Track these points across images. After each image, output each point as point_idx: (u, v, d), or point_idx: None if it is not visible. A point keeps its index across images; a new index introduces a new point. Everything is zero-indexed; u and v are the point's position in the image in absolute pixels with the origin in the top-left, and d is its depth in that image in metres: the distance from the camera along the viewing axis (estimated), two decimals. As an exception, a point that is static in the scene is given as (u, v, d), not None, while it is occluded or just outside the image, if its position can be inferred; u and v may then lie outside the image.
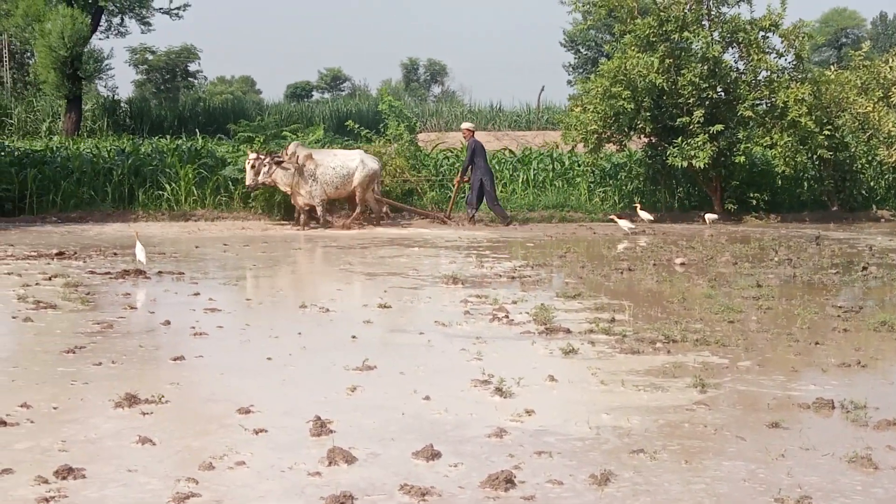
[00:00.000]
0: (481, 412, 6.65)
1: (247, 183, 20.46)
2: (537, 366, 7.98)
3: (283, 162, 19.95)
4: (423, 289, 12.35)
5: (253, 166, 19.98)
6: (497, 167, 25.80)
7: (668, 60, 23.50)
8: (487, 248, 17.30)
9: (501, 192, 24.84)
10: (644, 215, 22.11)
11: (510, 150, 28.50)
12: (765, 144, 23.98)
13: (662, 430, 6.31)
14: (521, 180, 25.60)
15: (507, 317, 10.14)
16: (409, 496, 5.09)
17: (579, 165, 25.68)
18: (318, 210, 20.41)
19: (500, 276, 13.46)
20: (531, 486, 5.27)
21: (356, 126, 25.47)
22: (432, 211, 22.86)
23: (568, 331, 9.42)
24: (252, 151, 20.64)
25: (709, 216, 22.78)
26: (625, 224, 20.80)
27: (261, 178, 19.98)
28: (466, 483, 5.31)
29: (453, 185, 22.99)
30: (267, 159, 19.90)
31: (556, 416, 6.56)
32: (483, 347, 8.68)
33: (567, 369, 7.91)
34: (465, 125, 23.31)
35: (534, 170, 25.97)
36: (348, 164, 20.50)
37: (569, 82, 67.09)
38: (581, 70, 65.40)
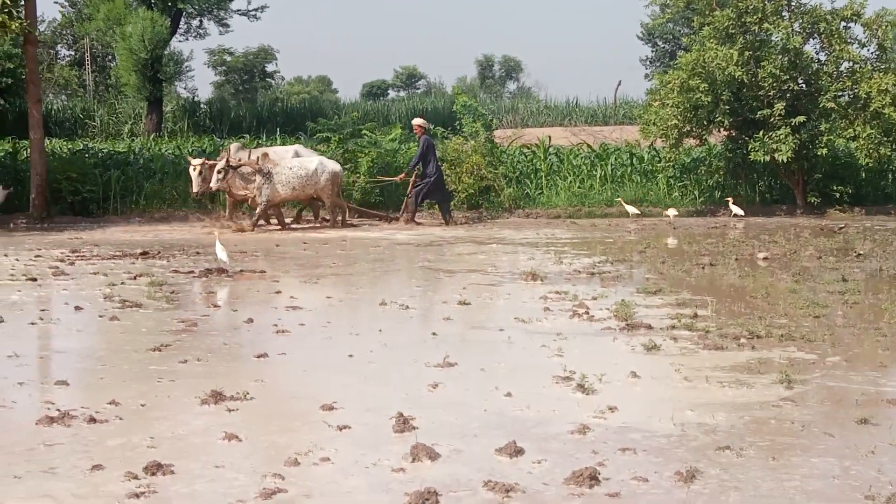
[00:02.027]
0: (564, 409, 6.62)
1: (194, 190, 19.93)
2: (619, 362, 7.92)
3: (239, 166, 19.41)
4: (502, 285, 12.34)
5: (200, 172, 19.46)
6: (574, 162, 25.67)
7: (747, 52, 23.17)
8: (566, 245, 17.22)
9: (579, 187, 24.73)
10: (736, 209, 21.95)
11: (587, 146, 28.32)
12: (847, 136, 23.55)
13: (749, 427, 6.23)
14: (598, 176, 25.41)
15: (587, 313, 10.08)
16: (494, 492, 5.08)
17: (658, 160, 25.44)
18: (258, 209, 19.70)
19: (580, 272, 13.39)
20: (616, 482, 5.23)
21: (432, 125, 25.47)
22: (385, 213, 22.27)
23: (649, 327, 9.33)
24: (193, 158, 20.33)
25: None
26: (631, 209, 21.95)
27: (214, 185, 19.39)
28: (550, 479, 5.28)
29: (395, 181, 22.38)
30: (221, 164, 19.24)
31: (640, 413, 6.50)
32: (564, 344, 8.64)
33: (649, 366, 7.84)
34: (417, 121, 22.31)
35: (611, 165, 25.77)
36: (307, 165, 20.09)
37: (646, 76, 66.36)
38: (659, 63, 64.73)
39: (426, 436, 5.93)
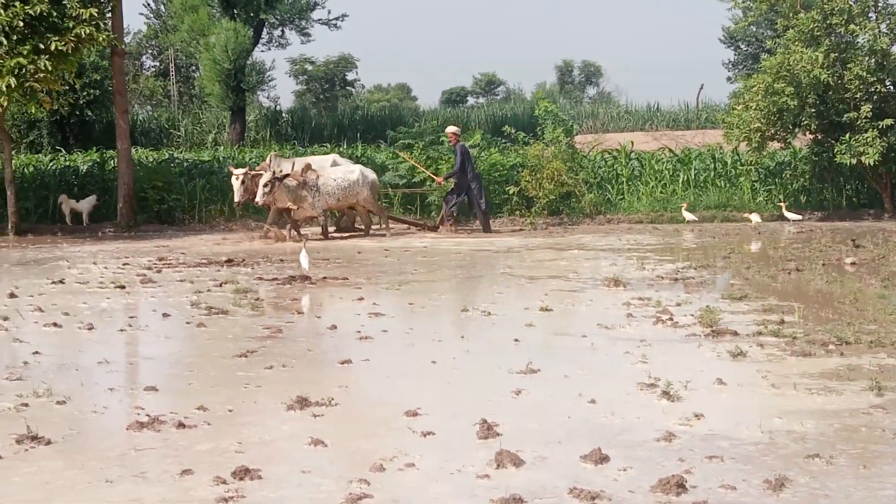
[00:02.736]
0: (649, 416, 6.56)
1: (236, 199, 19.86)
2: (704, 369, 7.83)
3: (285, 177, 19.12)
4: (584, 291, 12.28)
5: (242, 182, 19.37)
6: (656, 167, 25.48)
7: (833, 54, 22.79)
8: (648, 250, 17.09)
9: (661, 192, 24.54)
10: (791, 216, 21.64)
11: (669, 150, 28.07)
12: (937, 139, 23.03)
13: (839, 435, 6.11)
14: (681, 180, 25.18)
15: (671, 319, 9.99)
16: (579, 499, 5.05)
17: (742, 164, 25.12)
18: (321, 220, 19.96)
19: (663, 277, 13.27)
20: (703, 490, 5.17)
21: (513, 130, 25.43)
22: (424, 220, 22.33)
23: (735, 333, 9.22)
24: (235, 168, 20.18)
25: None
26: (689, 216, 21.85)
27: (259, 200, 19.03)
28: (636, 487, 5.24)
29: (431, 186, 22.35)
30: (266, 177, 18.88)
31: (727, 420, 6.42)
32: (648, 350, 8.57)
33: (736, 372, 7.74)
34: (450, 129, 22.05)
35: (694, 169, 25.51)
36: (349, 175, 20.06)
37: (728, 79, 65.54)
38: (741, 67, 63.85)
39: (510, 442, 5.92)
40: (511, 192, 23.43)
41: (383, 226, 20.85)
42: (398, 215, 22.46)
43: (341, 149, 29.55)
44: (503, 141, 27.00)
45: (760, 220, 21.66)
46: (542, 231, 21.63)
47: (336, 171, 20.19)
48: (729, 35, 67.51)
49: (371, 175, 20.63)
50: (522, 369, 7.85)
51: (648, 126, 51.21)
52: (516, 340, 9.13)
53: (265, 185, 18.80)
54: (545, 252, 16.95)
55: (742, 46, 68.07)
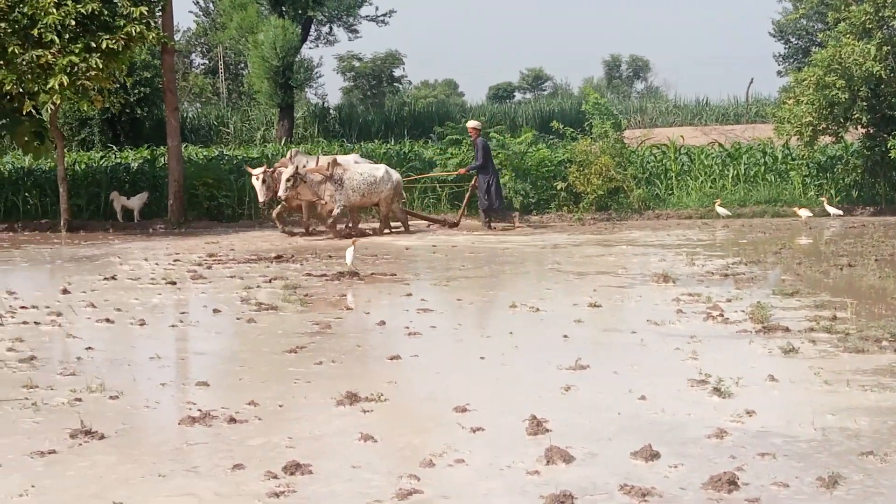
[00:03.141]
0: (700, 412, 6.52)
1: (259, 199, 20.00)
2: (756, 365, 7.76)
3: (310, 171, 19.05)
4: (633, 287, 12.22)
5: (264, 181, 19.41)
6: (705, 162, 25.29)
7: (885, 47, 22.52)
8: (698, 246, 16.97)
9: (710, 187, 24.37)
10: (832, 210, 21.40)
11: (719, 145, 27.84)
12: None
13: (893, 432, 6.03)
14: (730, 175, 24.99)
15: (721, 315, 9.91)
16: (630, 496, 5.03)
17: (793, 159, 24.88)
18: (335, 214, 19.39)
19: (713, 273, 13.17)
20: (755, 488, 5.12)
21: (561, 125, 25.34)
22: (444, 216, 22.15)
23: (787, 329, 9.12)
24: (250, 167, 20.15)
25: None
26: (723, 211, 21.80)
27: (282, 193, 18.94)
28: (688, 484, 5.21)
29: (466, 187, 22.01)
30: (289, 172, 18.79)
31: (779, 417, 6.36)
32: (698, 347, 8.51)
33: (787, 369, 7.66)
34: (471, 123, 21.83)
35: (744, 164, 25.30)
36: (374, 172, 19.92)
37: (779, 73, 64.79)
38: (792, 60, 63.14)
39: (560, 438, 5.90)
40: (559, 187, 23.38)
41: (402, 227, 20.68)
42: (420, 212, 22.48)
43: (388, 145, 29.59)
44: (551, 137, 26.93)
45: (811, 215, 21.43)
46: (590, 227, 21.54)
47: (362, 167, 20.09)
48: (779, 28, 66.76)
49: (395, 175, 20.54)
50: (571, 365, 7.83)
51: (697, 121, 50.78)
52: (565, 336, 9.11)
53: (288, 180, 18.73)
54: (593, 248, 16.89)
55: (792, 40, 67.27)
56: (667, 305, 10.66)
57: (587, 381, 7.40)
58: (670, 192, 24.53)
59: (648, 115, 52.58)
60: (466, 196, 21.80)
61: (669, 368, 7.80)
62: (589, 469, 5.46)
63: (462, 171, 21.72)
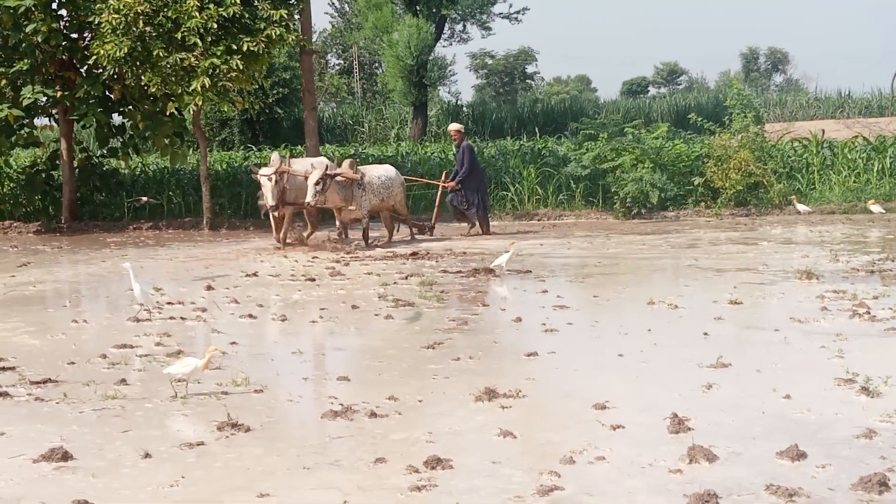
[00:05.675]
0: (847, 412, 6.35)
1: (269, 203, 17.36)
2: (906, 364, 7.52)
3: (338, 174, 17.09)
4: (775, 284, 11.95)
5: (276, 182, 17.17)
6: (848, 156, 24.56)
7: None
8: (842, 241, 16.49)
9: (854, 181, 23.64)
10: (875, 209, 20.48)
11: (863, 138, 26.99)
12: None
13: None
14: (875, 169, 24.18)
15: (868, 313, 9.62)
16: (776, 496, 4.93)
17: (941, 152, 23.97)
18: (364, 222, 17.83)
19: (858, 270, 12.79)
20: (908, 490, 4.97)
21: (699, 119, 24.91)
22: (420, 221, 20.28)
23: (938, 327, 8.82)
24: (255, 166, 18.52)
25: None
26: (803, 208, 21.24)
27: (311, 200, 16.77)
28: (836, 485, 5.08)
29: (445, 188, 19.97)
30: (317, 175, 16.73)
31: (932, 418, 6.15)
32: (844, 345, 8.28)
33: (940, 368, 7.40)
34: (453, 126, 20.48)
35: (890, 158, 24.46)
36: (389, 173, 18.53)
37: (925, 64, 62.70)
38: (939, 50, 60.93)
39: (702, 437, 5.82)
40: (696, 183, 22.98)
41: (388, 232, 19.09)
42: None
43: (521, 142, 29.53)
44: (687, 133, 26.50)
45: None
46: (729, 222, 21.14)
47: (377, 169, 18.82)
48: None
49: (400, 176, 19.25)
50: (713, 363, 7.71)
51: (839, 114, 49.38)
52: (705, 334, 8.97)
53: (317, 184, 16.69)
54: (732, 244, 16.56)
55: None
56: (810, 303, 10.40)
57: (729, 380, 7.28)
58: (812, 186, 23.88)
59: (788, 108, 51.36)
60: (438, 196, 20.44)
61: (814, 367, 7.62)
62: (733, 468, 5.37)
63: (451, 184, 19.89)
